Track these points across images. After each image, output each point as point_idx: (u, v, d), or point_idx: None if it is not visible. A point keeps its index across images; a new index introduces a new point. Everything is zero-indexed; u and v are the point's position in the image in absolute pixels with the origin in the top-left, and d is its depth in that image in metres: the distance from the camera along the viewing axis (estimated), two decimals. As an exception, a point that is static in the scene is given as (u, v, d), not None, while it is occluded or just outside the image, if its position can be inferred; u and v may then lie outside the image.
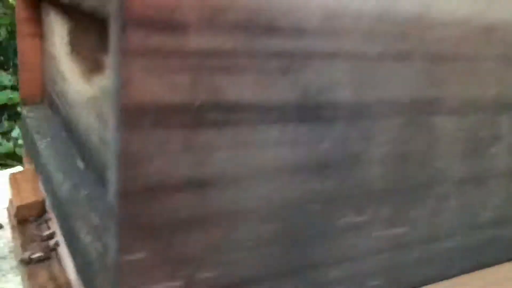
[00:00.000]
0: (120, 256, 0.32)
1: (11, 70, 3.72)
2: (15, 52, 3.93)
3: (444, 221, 0.51)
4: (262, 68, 0.34)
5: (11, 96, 3.31)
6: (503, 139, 0.52)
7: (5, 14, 3.59)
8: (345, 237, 0.44)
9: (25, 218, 0.98)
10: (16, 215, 0.97)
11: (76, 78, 0.70)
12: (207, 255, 0.36)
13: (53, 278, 0.76)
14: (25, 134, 1.14)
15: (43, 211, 1.00)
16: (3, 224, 1.10)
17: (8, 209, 1.06)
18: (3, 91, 3.29)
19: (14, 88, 3.43)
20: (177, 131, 0.32)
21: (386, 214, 0.45)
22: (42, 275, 0.77)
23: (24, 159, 1.23)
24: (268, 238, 0.39)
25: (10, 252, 0.98)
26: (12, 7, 3.54)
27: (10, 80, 3.43)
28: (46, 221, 0.97)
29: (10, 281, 0.87)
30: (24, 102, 1.33)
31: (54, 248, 0.82)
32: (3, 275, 0.90)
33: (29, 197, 1.00)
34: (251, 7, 0.32)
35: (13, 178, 1.12)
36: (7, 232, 1.06)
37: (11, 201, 1.00)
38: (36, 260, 0.82)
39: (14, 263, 0.93)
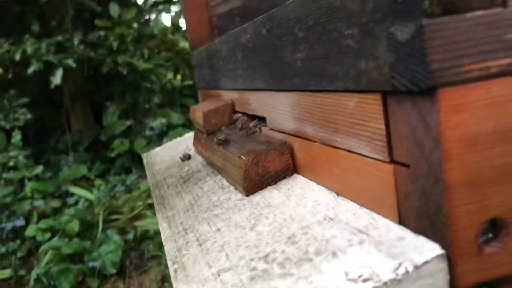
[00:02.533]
0: None
1: (179, 109, 4.22)
2: (181, 94, 4.45)
3: None
4: None
5: (182, 132, 3.72)
6: None
7: (168, 60, 4.09)
8: None
9: (215, 128, 1.09)
10: (205, 125, 1.08)
11: None
12: None
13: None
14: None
15: (230, 119, 1.10)
16: (192, 155, 1.24)
17: (196, 139, 1.19)
18: (176, 130, 3.71)
19: (184, 126, 3.87)
20: None
21: None
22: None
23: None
24: None
25: (203, 166, 1.09)
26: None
27: (179, 119, 3.87)
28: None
29: (208, 181, 0.96)
30: (193, 47, 1.49)
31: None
32: (203, 178, 1.00)
33: (213, 106, 1.11)
34: None
35: (192, 110, 1.26)
36: (197, 159, 1.19)
37: (198, 116, 1.11)
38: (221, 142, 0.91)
39: (209, 170, 1.03)
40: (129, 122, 3.99)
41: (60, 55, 3.57)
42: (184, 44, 4.22)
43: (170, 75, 4.64)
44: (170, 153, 1.47)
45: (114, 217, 3.10)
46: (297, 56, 0.67)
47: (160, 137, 3.74)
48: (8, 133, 3.65)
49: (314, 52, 0.61)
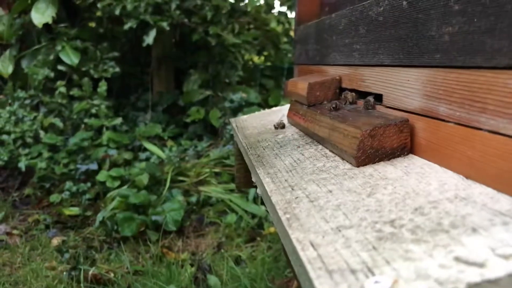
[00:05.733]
0: None
1: (258, 88, 4.24)
2: (261, 73, 4.47)
3: None
4: None
5: (257, 111, 3.73)
6: None
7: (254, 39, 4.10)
8: None
9: (317, 101, 1.08)
10: (308, 96, 1.07)
11: None
12: None
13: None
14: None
15: (335, 94, 1.08)
16: (285, 124, 1.23)
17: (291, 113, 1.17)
18: (251, 107, 3.73)
19: (259, 105, 3.89)
20: None
21: None
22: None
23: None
24: None
25: (300, 136, 1.08)
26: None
27: (256, 98, 3.88)
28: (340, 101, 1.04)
29: (308, 149, 0.95)
30: (300, 22, 1.48)
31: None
32: (302, 146, 0.99)
33: (319, 79, 1.10)
34: None
35: (293, 81, 1.25)
36: (291, 129, 1.18)
37: (300, 87, 1.10)
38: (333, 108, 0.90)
39: (308, 140, 1.02)
40: (208, 92, 4.06)
41: (156, 16, 3.67)
42: (274, 25, 4.22)
43: (253, 55, 4.67)
44: (259, 121, 1.47)
45: (181, 178, 3.17)
46: (446, 30, 0.64)
47: (235, 112, 3.78)
48: (95, 83, 3.81)
49: (472, 26, 0.58)
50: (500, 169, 0.53)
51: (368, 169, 0.73)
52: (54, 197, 3.11)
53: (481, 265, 0.40)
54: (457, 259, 0.41)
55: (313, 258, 0.47)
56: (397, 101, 0.81)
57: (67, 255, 2.40)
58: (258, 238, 2.59)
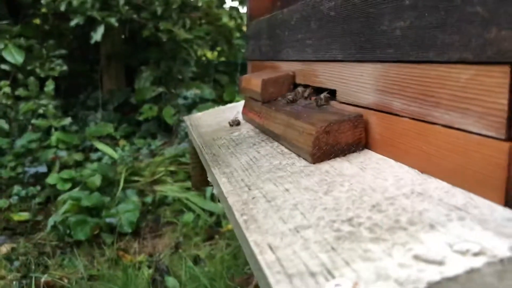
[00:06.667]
0: None
1: (212, 84, 4.21)
2: (215, 69, 4.43)
3: None
4: None
5: (212, 107, 3.70)
6: None
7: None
8: None
9: (272, 98, 1.06)
10: (262, 93, 1.05)
11: None
12: None
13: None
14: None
15: (289, 90, 1.07)
16: (240, 121, 1.22)
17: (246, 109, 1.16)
18: (206, 104, 3.69)
19: (214, 101, 3.86)
20: None
21: None
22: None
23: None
24: None
25: (256, 133, 1.07)
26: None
27: (211, 94, 3.85)
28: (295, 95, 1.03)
29: (263, 146, 0.94)
30: (252, 17, 1.46)
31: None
32: (258, 143, 0.98)
33: (272, 75, 1.08)
34: None
35: (246, 78, 1.24)
36: (246, 126, 1.17)
37: (254, 83, 1.09)
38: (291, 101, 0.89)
39: (263, 137, 1.01)
40: (160, 89, 3.98)
41: (104, 12, 3.57)
42: (226, 20, 4.19)
43: (206, 50, 4.62)
44: (214, 119, 1.45)
45: (135, 178, 3.10)
46: (398, 25, 0.64)
47: (190, 108, 3.73)
48: (42, 82, 3.67)
49: (423, 21, 0.58)
50: (454, 163, 0.53)
51: (324, 166, 0.72)
52: (2, 202, 2.97)
53: (440, 262, 0.39)
54: (416, 257, 0.41)
55: (271, 261, 0.46)
56: (351, 97, 0.81)
57: (17, 263, 2.29)
58: (217, 236, 2.56)
